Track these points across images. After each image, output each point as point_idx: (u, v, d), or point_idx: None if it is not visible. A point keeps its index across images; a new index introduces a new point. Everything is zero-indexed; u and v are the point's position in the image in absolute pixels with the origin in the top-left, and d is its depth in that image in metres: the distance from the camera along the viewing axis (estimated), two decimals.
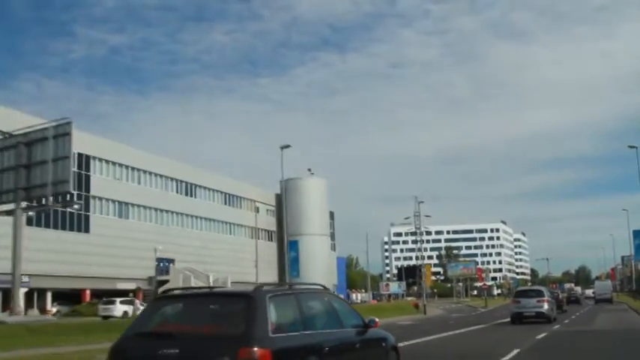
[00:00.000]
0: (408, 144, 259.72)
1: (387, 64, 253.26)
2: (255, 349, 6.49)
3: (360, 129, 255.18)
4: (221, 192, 76.53)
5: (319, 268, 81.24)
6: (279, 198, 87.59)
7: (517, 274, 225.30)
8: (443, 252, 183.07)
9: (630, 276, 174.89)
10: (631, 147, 42.28)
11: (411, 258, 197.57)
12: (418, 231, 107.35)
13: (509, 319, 30.63)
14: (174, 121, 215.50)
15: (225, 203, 77.17)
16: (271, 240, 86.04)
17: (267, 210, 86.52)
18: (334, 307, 8.77)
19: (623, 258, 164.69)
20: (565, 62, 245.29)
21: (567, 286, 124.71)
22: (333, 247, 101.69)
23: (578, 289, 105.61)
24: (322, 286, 9.41)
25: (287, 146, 32.47)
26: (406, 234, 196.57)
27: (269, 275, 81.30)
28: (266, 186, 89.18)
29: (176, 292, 8.04)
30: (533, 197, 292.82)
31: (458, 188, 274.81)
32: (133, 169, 63.88)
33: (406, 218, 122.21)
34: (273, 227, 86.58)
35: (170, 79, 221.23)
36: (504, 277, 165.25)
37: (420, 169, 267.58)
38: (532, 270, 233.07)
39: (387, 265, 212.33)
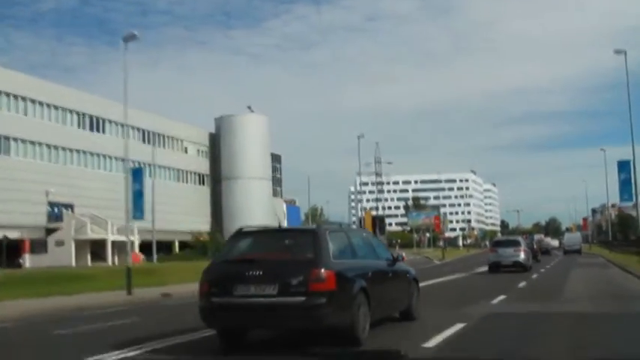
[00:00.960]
0: (383, 97, 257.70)
1: (363, 17, 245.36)
2: (323, 270, 8.36)
3: (336, 82, 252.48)
4: (139, 129, 65.68)
5: (258, 214, 71.40)
6: (213, 137, 77.31)
7: (486, 225, 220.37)
8: (410, 202, 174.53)
9: (600, 226, 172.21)
10: (618, 52, 33.16)
11: (377, 208, 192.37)
12: (378, 178, 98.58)
13: (446, 277, 27.60)
14: (145, 73, 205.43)
15: (145, 141, 66.41)
16: (202, 184, 75.71)
17: (199, 150, 75.99)
18: (371, 242, 10.99)
19: (594, 210, 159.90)
20: (541, 16, 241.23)
21: (537, 237, 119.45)
22: (280, 193, 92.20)
23: (548, 239, 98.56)
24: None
25: (133, 36, 22.43)
26: (372, 183, 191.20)
27: (200, 223, 71.47)
28: (205, 126, 78.47)
29: (250, 228, 9.79)
30: (506, 150, 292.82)
31: (432, 142, 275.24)
32: (16, 97, 52.69)
33: (367, 164, 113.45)
34: (206, 170, 76.16)
35: (141, 31, 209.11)
36: (471, 228, 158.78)
37: (395, 122, 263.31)
38: (502, 221, 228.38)
39: (354, 215, 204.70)
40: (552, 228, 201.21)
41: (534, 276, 25.36)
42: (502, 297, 15.50)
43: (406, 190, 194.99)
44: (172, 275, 32.46)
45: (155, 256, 55.22)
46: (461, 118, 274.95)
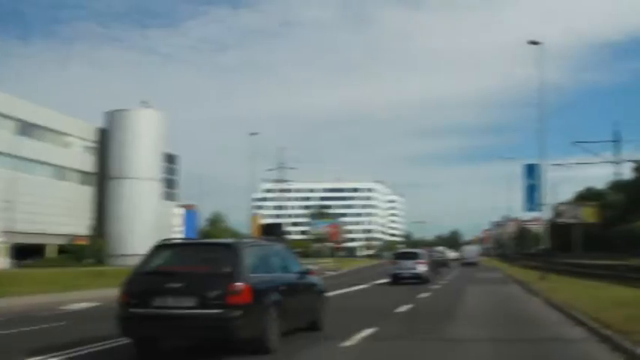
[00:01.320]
0: (296, 104, 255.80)
1: (278, 22, 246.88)
2: (240, 283, 8.69)
3: (248, 87, 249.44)
4: (14, 119, 59.52)
5: (146, 217, 66.63)
6: (102, 133, 71.59)
7: (390, 235, 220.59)
8: (314, 210, 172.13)
9: (500, 240, 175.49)
10: (533, 42, 32.11)
11: (281, 216, 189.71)
12: (281, 184, 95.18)
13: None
14: (56, 68, 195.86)
15: (21, 133, 60.26)
16: (87, 183, 69.67)
17: (85, 146, 70.08)
18: (284, 255, 11.31)
19: (494, 224, 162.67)
20: (454, 31, 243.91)
21: (439, 249, 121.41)
22: (175, 197, 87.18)
23: (449, 252, 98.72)
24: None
25: None
26: (278, 191, 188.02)
27: (80, 226, 65.77)
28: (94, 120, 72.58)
29: (171, 241, 10.33)
30: (414, 162, 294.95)
31: (340, 150, 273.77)
32: None
33: (269, 170, 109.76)
34: (91, 167, 70.21)
35: (55, 26, 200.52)
36: (373, 239, 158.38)
37: (306, 130, 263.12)
38: (406, 233, 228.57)
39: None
40: (454, 240, 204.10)
41: (424, 295, 22.04)
42: (369, 331, 11.43)
43: (311, 198, 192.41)
44: (17, 285, 27.88)
45: (19, 262, 49.83)
46: (371, 128, 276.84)
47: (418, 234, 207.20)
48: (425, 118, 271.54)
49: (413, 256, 31.58)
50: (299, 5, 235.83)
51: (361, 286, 28.83)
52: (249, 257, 9.26)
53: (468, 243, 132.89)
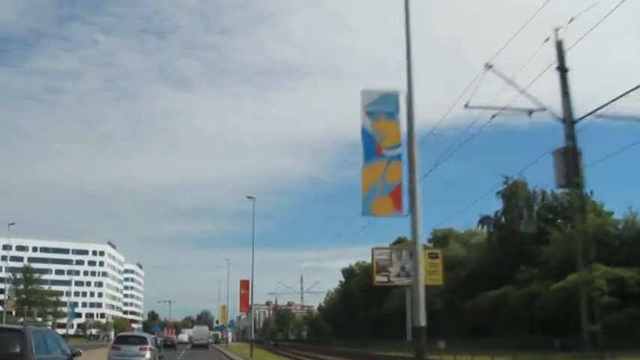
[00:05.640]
0: (53, 174, 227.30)
1: (42, 88, 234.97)
2: None
3: (9, 154, 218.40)
4: None
5: None
6: None
7: (125, 312, 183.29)
8: (19, 274, 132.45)
9: (256, 323, 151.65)
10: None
11: None
12: None
13: None
14: None
15: None
16: None
17: None
18: (57, 339, 14.37)
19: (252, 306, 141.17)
20: (220, 116, 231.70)
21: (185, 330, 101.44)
22: None
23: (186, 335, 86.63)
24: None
25: None
26: None
27: None
28: None
29: None
30: (169, 243, 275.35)
31: (99, 226, 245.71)
32: None
33: None
34: None
35: None
36: (94, 314, 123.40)
37: (62, 202, 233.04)
38: (152, 312, 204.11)
39: None
40: (206, 321, 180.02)
41: None
42: None
43: (21, 258, 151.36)
44: None
45: None
46: (129, 205, 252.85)
47: (165, 314, 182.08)
48: (183, 199, 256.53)
49: (138, 341, 28.94)
50: (65, 72, 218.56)
51: None
52: (33, 340, 11.78)
53: (218, 324, 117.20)
